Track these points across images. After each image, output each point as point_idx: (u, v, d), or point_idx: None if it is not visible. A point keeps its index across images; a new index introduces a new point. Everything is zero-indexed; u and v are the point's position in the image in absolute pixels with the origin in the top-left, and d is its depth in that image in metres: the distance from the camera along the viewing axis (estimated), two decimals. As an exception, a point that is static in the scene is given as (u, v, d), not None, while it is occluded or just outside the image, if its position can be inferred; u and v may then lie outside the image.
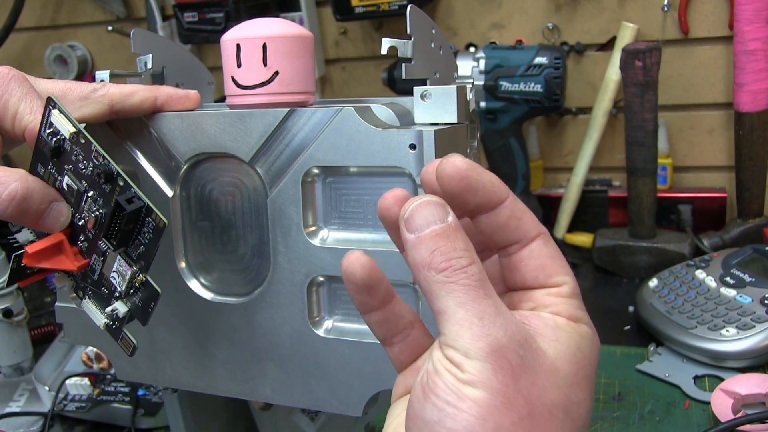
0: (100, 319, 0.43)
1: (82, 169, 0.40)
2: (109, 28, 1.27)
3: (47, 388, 0.76)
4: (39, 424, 0.73)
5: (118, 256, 0.41)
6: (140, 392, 0.74)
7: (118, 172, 0.39)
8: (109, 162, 0.39)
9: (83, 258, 0.42)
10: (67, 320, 0.52)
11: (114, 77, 0.49)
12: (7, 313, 0.77)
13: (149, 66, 0.51)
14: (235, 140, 0.44)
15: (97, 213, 0.40)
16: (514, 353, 0.28)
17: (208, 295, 0.48)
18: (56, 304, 0.53)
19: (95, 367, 0.78)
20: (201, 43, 1.20)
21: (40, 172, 0.42)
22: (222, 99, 0.49)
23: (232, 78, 0.45)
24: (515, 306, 0.32)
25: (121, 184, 0.39)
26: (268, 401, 0.48)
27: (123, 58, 1.34)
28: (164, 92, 0.46)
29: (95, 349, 0.77)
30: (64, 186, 0.41)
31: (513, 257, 0.32)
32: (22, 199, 0.39)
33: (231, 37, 0.45)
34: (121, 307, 0.41)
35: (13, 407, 0.77)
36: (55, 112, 0.40)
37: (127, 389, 0.74)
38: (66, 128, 0.40)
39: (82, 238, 0.42)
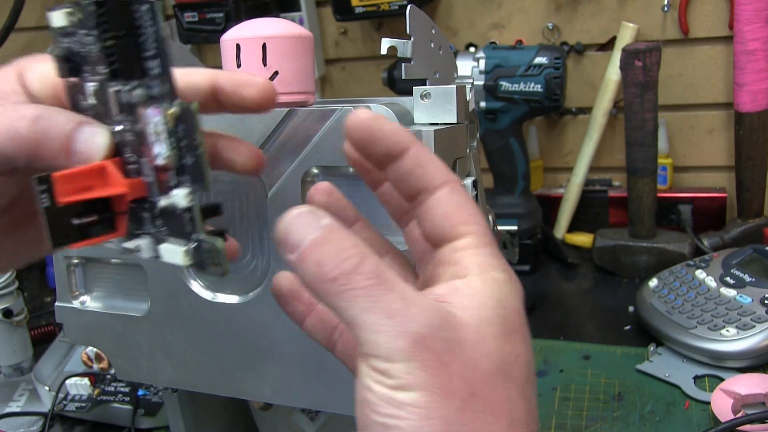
0: (178, 254, 0.30)
1: (86, 51, 0.31)
2: (109, 28, 1.26)
3: (47, 388, 0.76)
4: (39, 424, 0.73)
5: (142, 111, 0.30)
6: (140, 392, 0.74)
7: None
8: None
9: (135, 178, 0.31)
10: (67, 320, 0.52)
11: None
12: (7, 313, 0.77)
13: (149, 66, 0.51)
14: (235, 140, 0.44)
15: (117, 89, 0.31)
16: (436, 339, 0.27)
17: (208, 295, 0.48)
18: (56, 304, 0.53)
19: (95, 367, 0.78)
20: (201, 43, 1.20)
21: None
22: (222, 99, 0.49)
23: (232, 78, 0.45)
24: (434, 273, 0.31)
25: None
26: (268, 401, 0.48)
27: (123, 58, 1.34)
28: (223, 73, 0.37)
29: (95, 349, 0.77)
30: (90, 100, 0.32)
31: (422, 207, 0.31)
32: (37, 117, 0.31)
33: (231, 37, 0.45)
34: (178, 193, 0.30)
35: (13, 407, 0.77)
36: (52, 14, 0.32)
37: (127, 389, 0.74)
38: (58, 19, 0.32)
39: (131, 157, 0.31)
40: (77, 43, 0.32)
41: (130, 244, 0.32)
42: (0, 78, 0.34)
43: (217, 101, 0.35)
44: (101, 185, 0.30)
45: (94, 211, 0.31)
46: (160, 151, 0.30)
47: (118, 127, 0.31)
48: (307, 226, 0.28)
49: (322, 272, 0.27)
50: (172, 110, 0.29)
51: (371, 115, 0.31)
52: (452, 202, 0.31)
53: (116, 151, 0.31)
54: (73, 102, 0.33)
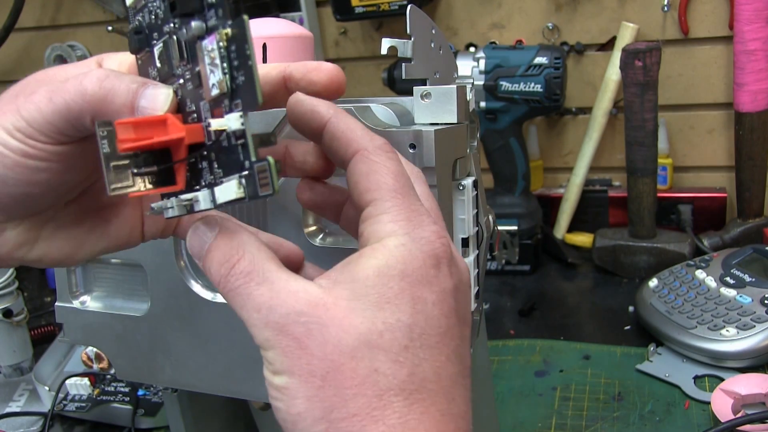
0: (233, 189, 0.30)
1: (155, 18, 0.33)
2: (109, 28, 1.27)
3: (47, 388, 0.76)
4: (39, 424, 0.73)
5: (199, 43, 0.31)
6: (140, 392, 0.74)
7: None
8: None
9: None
10: (67, 320, 0.52)
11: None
12: (7, 313, 0.77)
13: (149, 66, 0.51)
14: (235, 140, 0.44)
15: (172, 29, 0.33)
16: (296, 325, 0.28)
17: (208, 295, 0.48)
18: (56, 304, 0.53)
19: (95, 367, 0.78)
20: (201, 43, 1.20)
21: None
22: (222, 99, 0.49)
23: (232, 78, 0.45)
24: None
25: None
26: (268, 401, 0.48)
27: (123, 58, 1.34)
28: (294, 64, 0.38)
29: (95, 349, 0.77)
30: (157, 63, 0.34)
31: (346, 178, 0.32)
32: (105, 76, 0.32)
33: (231, 37, 0.45)
34: (231, 118, 0.29)
35: (13, 407, 0.77)
36: None
37: (127, 389, 0.74)
38: None
39: (191, 107, 0.32)
40: (146, 13, 0.34)
41: (188, 196, 0.32)
42: (81, 64, 0.37)
43: (287, 91, 0.35)
44: (161, 134, 0.31)
45: (154, 163, 0.31)
46: (215, 80, 0.30)
47: (180, 81, 0.32)
48: (202, 236, 0.31)
49: (212, 279, 0.31)
50: (226, 30, 0.30)
51: (295, 97, 0.32)
52: (359, 171, 0.31)
53: (178, 108, 0.32)
54: (143, 76, 0.35)
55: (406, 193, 0.31)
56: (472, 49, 1.06)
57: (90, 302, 0.52)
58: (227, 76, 0.29)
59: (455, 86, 0.41)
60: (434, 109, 0.42)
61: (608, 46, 1.07)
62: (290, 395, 0.28)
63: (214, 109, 0.30)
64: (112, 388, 0.75)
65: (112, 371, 0.76)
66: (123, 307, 0.51)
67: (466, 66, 1.00)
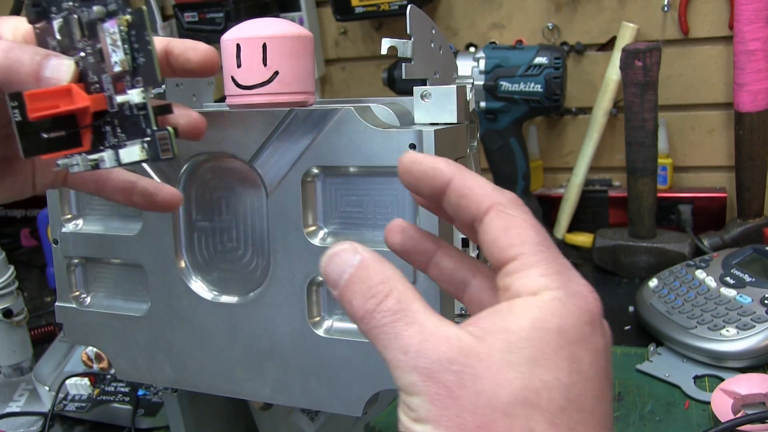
0: (136, 153, 0.35)
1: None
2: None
3: (47, 388, 0.76)
4: (39, 424, 0.73)
5: (103, 24, 0.35)
6: (140, 392, 0.74)
7: None
8: None
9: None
10: (67, 320, 0.52)
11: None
12: (7, 313, 0.77)
13: (149, 66, 0.51)
14: (235, 140, 0.44)
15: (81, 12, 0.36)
16: (447, 373, 0.27)
17: (208, 295, 0.48)
18: (56, 304, 0.53)
19: (95, 367, 0.78)
20: (201, 43, 1.20)
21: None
22: (222, 99, 0.49)
23: (232, 78, 0.45)
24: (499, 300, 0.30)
25: None
26: (268, 401, 0.48)
27: (123, 58, 1.34)
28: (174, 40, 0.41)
29: (95, 349, 0.77)
30: (57, 35, 0.37)
31: (477, 235, 0.31)
32: (9, 48, 0.34)
33: (231, 37, 0.45)
34: (132, 93, 0.35)
35: (13, 407, 0.77)
36: None
37: (127, 389, 0.74)
38: None
39: (93, 78, 0.36)
40: None
41: (94, 156, 0.36)
42: None
43: (170, 65, 0.39)
44: (67, 103, 0.34)
45: (61, 128, 0.35)
46: (117, 58, 0.34)
47: (81, 54, 0.36)
48: (341, 264, 0.29)
49: (352, 312, 0.29)
50: (126, 17, 0.34)
51: (410, 157, 0.31)
52: (498, 227, 0.30)
53: (80, 78, 0.36)
54: (42, 46, 0.37)
55: (550, 246, 0.30)
56: (472, 49, 1.06)
57: (90, 302, 0.52)
58: (128, 56, 0.34)
59: (455, 86, 0.41)
60: (434, 109, 0.42)
61: (608, 46, 1.07)
62: None
63: (117, 83, 0.35)
64: (112, 388, 0.75)
65: (112, 371, 0.76)
66: (123, 307, 0.51)
67: (466, 66, 1.00)
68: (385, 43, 0.43)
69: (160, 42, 0.38)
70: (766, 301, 0.73)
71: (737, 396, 0.63)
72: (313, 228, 0.44)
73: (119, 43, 0.34)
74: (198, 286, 0.48)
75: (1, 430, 0.73)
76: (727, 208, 1.04)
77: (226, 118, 0.44)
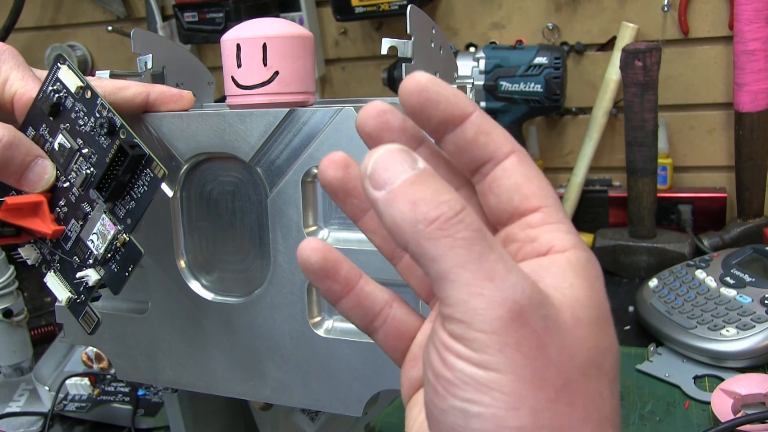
0: (63, 293, 0.42)
1: (81, 125, 0.41)
2: (109, 28, 1.27)
3: (47, 388, 0.76)
4: (39, 424, 0.73)
5: (103, 215, 0.40)
6: (140, 392, 0.74)
7: (122, 123, 0.39)
8: (114, 114, 0.40)
9: (59, 225, 0.42)
10: (67, 320, 0.52)
11: (114, 77, 0.49)
12: (7, 313, 0.77)
13: (149, 66, 0.51)
14: (235, 140, 0.44)
15: (88, 171, 0.40)
16: (536, 316, 0.23)
17: (208, 295, 0.48)
18: (56, 304, 0.53)
19: (95, 367, 0.78)
20: (201, 43, 1.20)
21: (29, 134, 0.42)
22: (222, 99, 0.49)
23: (232, 78, 0.45)
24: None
25: (123, 136, 0.39)
26: (268, 401, 0.48)
27: (123, 58, 1.34)
28: (158, 89, 0.45)
29: (95, 349, 0.77)
30: (55, 146, 0.41)
31: (487, 179, 0.27)
32: (8, 145, 0.39)
33: (231, 37, 0.45)
34: (92, 275, 0.41)
35: (13, 407, 0.77)
36: (64, 67, 0.41)
37: (127, 389, 0.74)
38: (73, 83, 0.41)
39: (62, 202, 0.42)
40: (71, 110, 0.41)
41: (24, 251, 0.44)
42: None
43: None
44: (33, 217, 0.41)
45: (16, 228, 0.42)
46: (98, 245, 0.40)
47: (66, 184, 0.41)
48: (402, 163, 0.24)
49: (417, 212, 0.23)
50: (126, 238, 0.39)
51: (429, 77, 0.27)
52: (521, 173, 0.27)
53: (54, 188, 0.42)
54: (32, 123, 0.42)
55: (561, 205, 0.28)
56: (472, 49, 1.06)
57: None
58: (102, 257, 0.40)
59: (455, 86, 0.41)
60: (434, 109, 0.42)
61: (608, 46, 1.07)
62: (509, 404, 0.23)
63: (80, 246, 0.41)
64: (112, 388, 0.75)
65: (112, 371, 0.76)
66: (123, 307, 0.51)
67: (466, 66, 1.00)
68: (385, 43, 0.43)
69: (140, 95, 0.44)
70: (766, 301, 0.73)
71: (737, 396, 0.63)
72: (313, 228, 0.44)
73: (103, 241, 0.40)
74: (198, 286, 0.48)
75: (1, 430, 0.73)
76: (727, 208, 1.04)
77: (226, 118, 0.44)
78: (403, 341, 0.31)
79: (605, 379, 0.25)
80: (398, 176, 0.24)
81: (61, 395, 0.75)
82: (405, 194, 0.24)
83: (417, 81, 0.27)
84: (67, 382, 0.75)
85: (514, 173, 0.27)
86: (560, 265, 0.26)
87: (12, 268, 0.77)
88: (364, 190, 0.25)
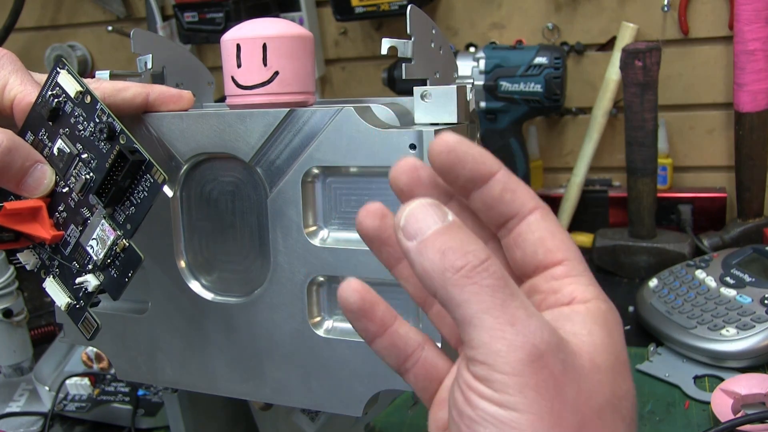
0: (62, 299, 0.42)
1: (81, 130, 0.41)
2: (109, 28, 1.27)
3: (47, 388, 0.76)
4: (39, 424, 0.73)
5: (103, 220, 0.40)
6: (140, 392, 0.74)
7: (122, 128, 0.39)
8: (114, 119, 0.39)
9: (58, 230, 0.42)
10: (67, 320, 0.52)
11: (114, 77, 0.49)
12: (7, 313, 0.77)
13: (149, 66, 0.51)
14: (235, 140, 0.44)
15: (87, 176, 0.40)
16: (555, 360, 0.25)
17: (208, 295, 0.48)
18: (56, 304, 0.53)
19: (95, 367, 0.78)
20: (201, 43, 1.20)
21: (28, 139, 0.42)
22: (222, 99, 0.49)
23: (232, 78, 0.45)
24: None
25: (123, 141, 0.39)
26: (268, 401, 0.48)
27: (123, 58, 1.34)
28: (157, 90, 0.45)
29: (95, 349, 0.77)
30: (54, 151, 0.41)
31: (512, 234, 0.29)
32: (7, 150, 0.39)
33: (231, 37, 0.45)
34: (92, 280, 0.41)
35: (13, 407, 0.77)
36: (63, 72, 0.41)
37: (127, 389, 0.74)
38: (73, 88, 0.41)
39: (61, 207, 0.42)
40: (71, 114, 0.41)
41: (23, 257, 0.43)
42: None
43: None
44: (32, 223, 0.41)
45: (15, 234, 0.41)
46: (97, 250, 0.40)
47: (66, 188, 0.41)
48: (432, 216, 0.27)
49: (445, 261, 0.26)
50: (126, 243, 0.39)
51: (457, 137, 0.29)
52: (545, 228, 0.29)
53: (53, 193, 0.42)
54: (32, 128, 0.42)
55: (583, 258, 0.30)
56: (472, 49, 1.06)
57: (90, 302, 0.52)
58: (101, 262, 0.40)
59: (455, 86, 0.41)
60: (434, 109, 0.42)
61: (608, 46, 1.07)
62: None
63: (80, 251, 0.41)
64: (112, 388, 0.75)
65: (112, 371, 0.76)
66: (123, 307, 0.51)
67: (466, 66, 1.00)
68: (385, 43, 0.43)
69: (139, 96, 0.44)
70: (766, 301, 0.73)
71: (737, 396, 0.63)
72: (313, 228, 0.44)
73: (103, 247, 0.40)
74: (198, 286, 0.48)
75: (1, 430, 0.73)
76: (727, 208, 1.04)
77: (226, 118, 0.44)
78: (432, 383, 0.33)
79: (622, 423, 0.26)
80: (429, 227, 0.26)
81: (61, 395, 0.75)
82: (434, 244, 0.26)
83: (445, 142, 0.28)
84: (67, 382, 0.75)
85: (539, 228, 0.29)
86: (581, 314, 0.28)
87: (12, 268, 0.77)
88: (398, 241, 0.27)
